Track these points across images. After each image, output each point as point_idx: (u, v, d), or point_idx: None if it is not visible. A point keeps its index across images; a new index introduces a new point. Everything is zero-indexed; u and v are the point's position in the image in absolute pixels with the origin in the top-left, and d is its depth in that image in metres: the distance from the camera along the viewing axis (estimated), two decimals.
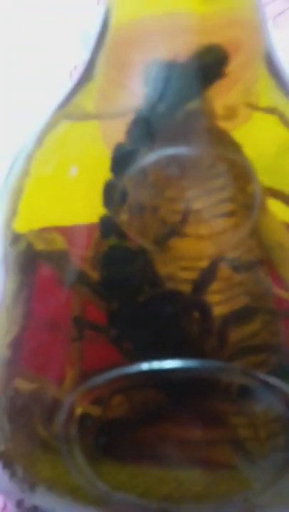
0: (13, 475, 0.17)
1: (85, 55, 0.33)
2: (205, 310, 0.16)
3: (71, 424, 0.16)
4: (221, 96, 0.15)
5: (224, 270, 0.15)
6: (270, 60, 0.15)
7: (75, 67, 0.32)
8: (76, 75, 0.31)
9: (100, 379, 0.15)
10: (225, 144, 0.15)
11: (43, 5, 0.35)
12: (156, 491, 0.16)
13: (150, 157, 0.15)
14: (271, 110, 0.15)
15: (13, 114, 0.31)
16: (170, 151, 0.15)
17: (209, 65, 0.14)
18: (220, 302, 0.16)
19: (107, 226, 0.15)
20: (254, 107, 0.15)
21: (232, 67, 0.14)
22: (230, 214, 0.15)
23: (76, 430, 0.16)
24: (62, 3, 0.35)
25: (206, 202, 0.15)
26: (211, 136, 0.15)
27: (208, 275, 0.16)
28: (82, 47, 0.33)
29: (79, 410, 0.16)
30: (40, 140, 0.16)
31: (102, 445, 0.16)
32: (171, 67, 0.14)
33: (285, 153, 0.15)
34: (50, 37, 0.34)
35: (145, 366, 0.14)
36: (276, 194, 0.15)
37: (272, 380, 0.15)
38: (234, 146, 0.15)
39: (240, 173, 0.14)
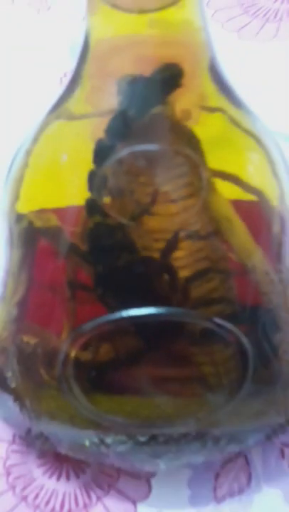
0: (22, 407, 0.20)
1: (73, 64, 0.36)
2: (172, 272, 0.18)
3: (68, 366, 0.19)
4: (179, 101, 0.17)
5: (186, 241, 0.18)
6: (213, 70, 0.18)
7: (65, 74, 0.34)
8: (65, 82, 0.33)
9: (88, 325, 0.18)
10: (183, 140, 0.18)
11: (36, 19, 0.37)
12: (137, 414, 0.19)
13: (124, 151, 0.17)
14: (216, 109, 0.18)
15: (11, 116, 0.33)
16: (140, 146, 0.17)
17: (168, 79, 0.17)
18: (184, 266, 0.18)
19: (91, 207, 0.18)
20: (204, 108, 0.18)
21: (185, 78, 0.17)
22: (189, 196, 0.18)
23: (72, 371, 0.19)
24: (52, 18, 0.37)
25: (169, 187, 0.18)
26: (172, 134, 0.17)
27: (172, 244, 0.18)
28: (71, 56, 0.35)
29: (72, 354, 0.19)
30: (36, 137, 0.19)
31: (94, 381, 0.19)
32: (138, 80, 0.17)
33: (226, 140, 0.18)
34: (42, 48, 0.35)
35: (125, 313, 0.18)
36: (222, 175, 0.18)
37: (227, 324, 0.18)
38: (192, 140, 0.18)
39: (193, 163, 0.17)
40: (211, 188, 0.17)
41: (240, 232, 0.19)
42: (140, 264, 0.18)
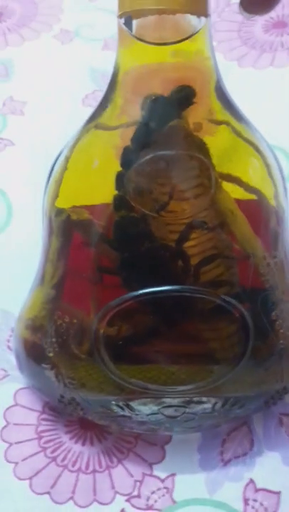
0: (58, 375, 0.22)
1: (92, 87, 0.39)
2: (185, 258, 0.21)
3: (98, 339, 0.21)
4: (191, 116, 0.20)
5: (197, 231, 0.21)
6: (219, 90, 0.20)
7: (86, 95, 0.37)
8: (86, 102, 0.36)
9: (114, 302, 0.20)
10: (195, 147, 0.21)
11: (61, 49, 0.40)
12: (156, 379, 0.21)
13: (147, 156, 0.20)
14: (222, 122, 0.21)
15: (46, 130, 0.35)
16: (159, 152, 0.20)
17: (183, 98, 0.20)
18: (195, 253, 0.21)
19: (118, 203, 0.21)
20: (212, 121, 0.21)
21: (196, 97, 0.20)
22: (200, 194, 0.20)
23: (102, 343, 0.21)
24: (74, 48, 0.40)
25: (183, 186, 0.21)
26: (186, 142, 0.20)
27: (185, 235, 0.21)
28: (91, 81, 0.38)
29: (102, 329, 0.21)
30: (73, 146, 0.22)
31: (120, 353, 0.21)
32: (159, 99, 0.20)
33: (230, 148, 0.21)
34: (66, 74, 0.39)
35: (145, 291, 0.20)
36: (227, 177, 0.20)
37: (232, 300, 0.21)
38: (202, 147, 0.21)
39: (204, 166, 0.20)
40: (219, 187, 0.20)
41: (242, 224, 0.21)
42: (158, 251, 0.21)
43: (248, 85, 0.38)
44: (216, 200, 0.20)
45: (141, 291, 0.20)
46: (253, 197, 0.22)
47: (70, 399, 0.23)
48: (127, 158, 0.20)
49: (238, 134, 0.21)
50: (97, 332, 0.21)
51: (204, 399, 0.22)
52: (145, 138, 0.20)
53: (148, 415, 0.22)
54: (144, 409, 0.22)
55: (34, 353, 0.23)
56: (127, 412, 0.22)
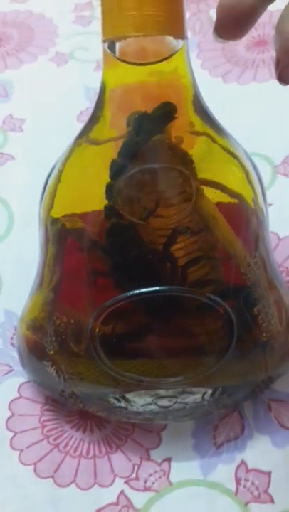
0: (58, 371, 0.22)
1: (86, 104, 0.39)
2: (172, 260, 0.21)
3: (94, 337, 0.21)
4: (173, 130, 0.20)
5: (182, 236, 0.21)
6: (196, 104, 0.20)
7: (81, 112, 0.37)
8: (81, 118, 0.36)
9: (108, 302, 0.20)
10: (178, 158, 0.20)
11: (57, 71, 0.40)
12: (149, 372, 0.21)
13: (133, 170, 0.20)
14: (202, 133, 0.21)
15: (42, 144, 0.35)
16: (145, 166, 0.20)
17: (165, 114, 0.20)
18: (182, 255, 0.21)
19: (109, 211, 0.20)
20: (193, 133, 0.20)
21: (177, 113, 0.20)
22: (183, 201, 0.20)
23: (98, 340, 0.21)
24: (69, 70, 0.40)
25: (168, 195, 0.20)
26: (169, 155, 0.20)
27: (172, 239, 0.21)
28: (85, 99, 0.38)
29: (97, 327, 0.21)
30: (66, 159, 0.22)
31: (115, 349, 0.21)
32: (143, 116, 0.19)
33: (211, 156, 0.21)
34: (61, 93, 0.38)
35: (136, 291, 0.20)
36: (210, 183, 0.20)
37: (217, 298, 0.21)
38: (185, 158, 0.20)
39: (185, 176, 0.20)
40: (200, 194, 0.20)
41: (223, 227, 0.21)
42: (147, 255, 0.21)
43: (232, 99, 0.38)
44: (198, 206, 0.20)
45: (132, 292, 0.20)
46: (235, 201, 0.22)
47: (70, 393, 0.23)
48: (115, 171, 0.20)
49: (218, 144, 0.21)
50: (93, 331, 0.21)
51: (194, 389, 0.22)
52: (131, 152, 0.20)
53: (143, 406, 0.22)
54: (139, 400, 0.22)
55: (36, 351, 0.23)
56: (123, 404, 0.22)
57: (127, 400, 0.22)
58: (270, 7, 0.18)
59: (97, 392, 0.22)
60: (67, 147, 0.22)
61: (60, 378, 0.22)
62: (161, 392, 0.21)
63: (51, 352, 0.22)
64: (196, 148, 0.20)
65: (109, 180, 0.20)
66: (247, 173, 0.21)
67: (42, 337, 0.23)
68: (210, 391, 0.22)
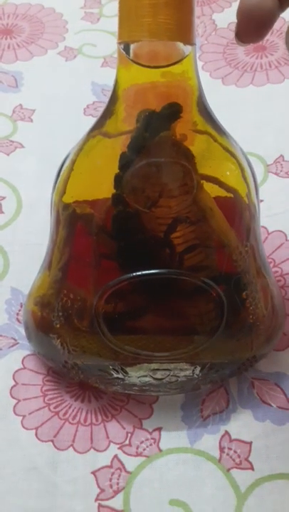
0: (63, 343, 0.24)
1: (93, 99, 0.40)
2: (171, 247, 0.23)
3: (98, 313, 0.23)
4: (178, 128, 0.22)
5: (182, 224, 0.22)
6: (200, 104, 0.22)
7: (87, 106, 0.38)
8: (87, 112, 0.37)
9: (112, 282, 0.22)
10: (181, 154, 0.22)
11: (65, 65, 0.41)
12: (146, 346, 0.23)
13: (140, 162, 0.21)
14: (204, 132, 0.22)
15: (51, 134, 0.37)
16: (151, 159, 0.22)
17: (172, 113, 0.21)
18: (180, 243, 0.23)
19: (116, 200, 0.22)
20: (196, 131, 0.22)
21: (182, 112, 0.22)
22: (184, 193, 0.22)
23: (101, 318, 0.23)
24: (77, 64, 0.41)
25: (171, 186, 0.22)
26: (173, 150, 0.22)
27: (172, 227, 0.22)
28: (92, 93, 0.39)
29: (101, 305, 0.23)
30: (79, 150, 0.23)
31: (116, 325, 0.23)
32: (151, 114, 0.21)
33: (211, 154, 0.22)
34: (69, 86, 0.40)
35: (137, 273, 0.22)
36: (209, 178, 0.22)
37: (210, 282, 0.22)
38: (187, 154, 0.22)
39: (187, 171, 0.21)
40: (200, 188, 0.22)
41: (219, 219, 0.23)
42: (149, 241, 0.22)
43: (230, 101, 0.39)
44: (197, 198, 0.22)
45: (134, 274, 0.22)
46: (230, 195, 0.23)
47: (72, 364, 0.24)
48: (124, 163, 0.21)
49: (218, 143, 0.23)
50: (97, 308, 0.23)
51: (186, 364, 0.23)
52: (139, 146, 0.21)
53: (138, 377, 0.24)
54: (136, 372, 0.24)
55: (42, 325, 0.25)
56: (121, 375, 0.24)
57: (125, 372, 0.24)
58: None
59: (98, 363, 0.24)
60: (81, 139, 0.23)
61: (64, 350, 0.24)
62: (156, 365, 0.23)
63: (58, 326, 0.24)
64: (198, 146, 0.22)
65: (118, 171, 0.22)
66: (243, 171, 0.23)
67: (49, 312, 0.24)
68: (200, 366, 0.24)
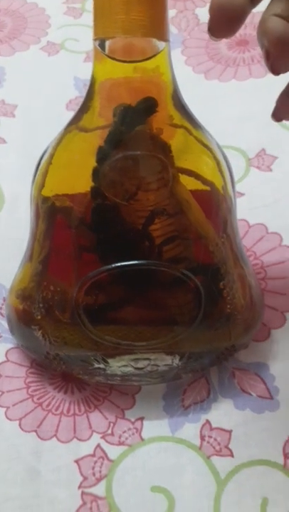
0: (44, 335, 0.24)
1: (75, 93, 0.41)
2: (150, 239, 0.23)
3: (78, 305, 0.23)
4: (154, 122, 0.22)
5: (159, 216, 0.23)
6: (175, 99, 0.23)
7: (70, 101, 0.39)
8: (70, 107, 0.38)
9: (92, 274, 0.23)
10: (158, 147, 0.23)
11: (48, 60, 0.41)
12: (127, 337, 0.24)
13: (118, 156, 0.22)
14: (180, 126, 0.23)
15: (34, 130, 0.37)
16: (128, 153, 0.22)
17: (147, 107, 0.22)
18: (159, 235, 0.23)
19: (95, 193, 0.23)
20: (172, 125, 0.23)
21: (158, 107, 0.22)
22: (161, 186, 0.23)
23: (82, 309, 0.23)
24: (60, 60, 0.42)
25: (148, 179, 0.23)
26: (150, 144, 0.23)
27: (150, 220, 0.23)
28: (74, 88, 0.39)
29: (81, 297, 0.23)
30: (57, 144, 0.24)
31: (97, 316, 0.24)
32: (127, 108, 0.22)
33: (187, 147, 0.23)
34: (52, 81, 0.40)
35: (116, 265, 0.22)
36: (186, 171, 0.23)
37: (188, 273, 0.23)
38: (164, 148, 0.23)
39: (164, 163, 0.22)
40: (176, 181, 0.23)
41: (196, 211, 0.24)
42: (128, 233, 0.23)
43: (213, 95, 0.40)
44: (174, 191, 0.23)
45: (113, 265, 0.23)
46: (207, 188, 0.24)
47: (54, 355, 0.25)
48: (102, 156, 0.22)
49: (194, 136, 0.23)
50: (77, 299, 0.23)
51: (165, 353, 0.24)
52: (116, 140, 0.22)
53: (120, 367, 0.25)
54: (117, 362, 0.24)
55: (24, 317, 0.26)
56: (102, 365, 0.25)
57: (106, 362, 0.24)
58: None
59: (79, 354, 0.25)
60: (59, 133, 0.24)
61: (46, 341, 0.25)
62: (137, 355, 0.24)
63: (39, 317, 0.24)
64: (174, 139, 0.23)
65: (95, 164, 0.22)
66: (218, 164, 0.24)
67: (30, 304, 0.25)
68: (179, 356, 0.24)
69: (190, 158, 0.23)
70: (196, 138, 0.23)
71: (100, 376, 0.26)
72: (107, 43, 0.21)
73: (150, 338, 0.24)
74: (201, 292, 0.23)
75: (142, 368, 0.25)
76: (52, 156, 0.23)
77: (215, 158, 0.24)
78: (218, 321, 0.24)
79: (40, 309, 0.24)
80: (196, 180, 0.24)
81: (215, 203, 0.24)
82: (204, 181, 0.24)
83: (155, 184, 0.23)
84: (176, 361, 0.25)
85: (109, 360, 0.24)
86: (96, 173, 0.22)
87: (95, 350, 0.24)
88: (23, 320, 0.26)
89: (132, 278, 0.23)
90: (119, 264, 0.22)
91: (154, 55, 0.21)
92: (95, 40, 0.21)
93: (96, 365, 0.25)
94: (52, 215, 0.24)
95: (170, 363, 0.25)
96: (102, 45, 0.21)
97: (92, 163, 0.22)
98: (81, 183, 0.23)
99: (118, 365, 0.25)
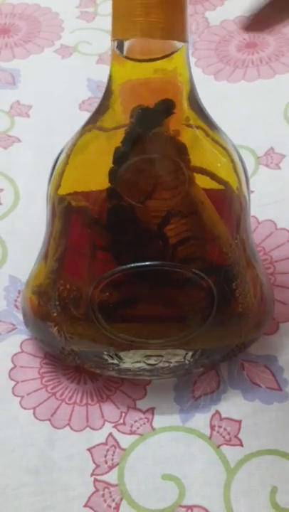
0: (60, 331, 0.23)
1: (88, 94, 0.39)
2: (164, 239, 0.22)
3: (94, 302, 0.22)
4: (171, 123, 0.20)
5: (174, 217, 0.21)
6: (191, 99, 0.21)
7: (83, 101, 0.37)
8: (83, 107, 0.36)
9: (106, 274, 0.21)
10: (174, 149, 0.21)
11: (61, 63, 0.39)
12: (140, 334, 0.22)
13: (134, 158, 0.20)
14: (196, 127, 0.21)
15: (48, 128, 0.35)
16: (145, 156, 0.20)
17: (165, 109, 0.20)
18: (173, 235, 0.21)
19: (111, 193, 0.21)
20: (188, 126, 0.21)
21: (175, 108, 0.20)
22: (176, 186, 0.21)
23: (97, 307, 0.22)
24: (73, 62, 0.39)
25: (164, 180, 0.21)
26: (166, 145, 0.21)
27: (165, 220, 0.21)
28: (87, 89, 0.37)
29: (96, 294, 0.22)
30: (73, 144, 0.22)
31: (111, 314, 0.22)
32: (145, 110, 0.20)
33: (202, 147, 0.21)
34: (65, 82, 0.38)
35: (131, 265, 0.21)
36: (202, 171, 0.21)
37: (201, 273, 0.21)
38: (181, 149, 0.21)
39: (179, 166, 0.20)
40: (191, 182, 0.21)
41: (210, 212, 0.22)
42: (143, 233, 0.21)
43: (222, 96, 0.38)
44: (189, 193, 0.21)
45: (128, 265, 0.21)
46: (221, 188, 0.22)
47: (69, 350, 0.24)
48: (118, 157, 0.20)
49: (210, 137, 0.22)
50: (92, 297, 0.22)
51: (178, 350, 0.23)
52: (133, 141, 0.20)
53: (133, 363, 0.23)
54: (130, 358, 0.23)
55: (40, 312, 0.24)
56: (115, 361, 0.23)
57: (120, 358, 0.23)
58: None
59: (94, 350, 0.23)
60: (75, 133, 0.22)
61: (61, 337, 0.23)
62: (149, 351, 0.23)
63: (55, 314, 0.23)
64: (190, 140, 0.21)
65: (112, 165, 0.21)
66: (233, 164, 0.22)
67: (46, 301, 0.23)
68: (191, 352, 0.23)
69: (206, 158, 0.21)
70: (212, 138, 0.21)
71: (113, 371, 0.24)
72: (126, 44, 0.19)
73: (163, 335, 0.22)
74: (213, 292, 0.22)
75: (154, 364, 0.23)
76: (68, 156, 0.22)
77: (230, 158, 0.22)
78: (229, 319, 0.23)
79: (56, 307, 0.23)
80: (212, 179, 0.22)
81: (229, 203, 0.22)
82: (219, 181, 0.22)
83: (170, 185, 0.21)
84: (188, 357, 0.23)
85: (123, 356, 0.23)
86: (112, 174, 0.21)
87: (108, 346, 0.23)
88: (39, 315, 0.24)
89: (146, 278, 0.22)
90: (133, 264, 0.21)
91: (171, 53, 0.19)
92: (113, 40, 0.19)
93: (110, 361, 0.23)
94: (67, 215, 0.22)
95: (182, 360, 0.23)
96: (120, 46, 0.19)
97: (109, 163, 0.20)
98: (97, 183, 0.21)
99: (131, 361, 0.23)
